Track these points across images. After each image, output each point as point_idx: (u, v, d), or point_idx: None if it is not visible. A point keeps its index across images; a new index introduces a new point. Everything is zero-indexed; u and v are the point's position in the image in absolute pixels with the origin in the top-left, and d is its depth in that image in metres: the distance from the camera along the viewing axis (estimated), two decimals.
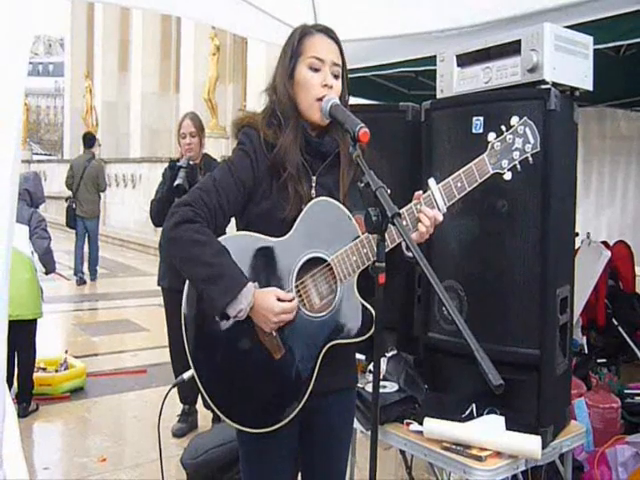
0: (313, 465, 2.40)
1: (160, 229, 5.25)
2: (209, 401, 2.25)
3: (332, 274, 2.13)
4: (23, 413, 5.28)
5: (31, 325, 5.36)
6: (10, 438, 2.09)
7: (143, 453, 4.75)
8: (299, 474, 2.49)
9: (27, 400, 5.41)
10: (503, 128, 2.16)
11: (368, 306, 2.10)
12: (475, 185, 2.16)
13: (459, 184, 2.13)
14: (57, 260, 13.12)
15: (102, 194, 12.38)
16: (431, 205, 2.10)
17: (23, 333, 5.13)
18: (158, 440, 3.03)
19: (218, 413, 2.24)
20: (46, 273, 5.40)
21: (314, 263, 2.15)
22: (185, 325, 2.25)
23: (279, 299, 2.08)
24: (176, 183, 4.65)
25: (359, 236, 2.09)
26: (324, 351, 2.12)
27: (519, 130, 2.16)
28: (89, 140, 12.31)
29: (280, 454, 2.28)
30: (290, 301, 2.10)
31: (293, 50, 2.23)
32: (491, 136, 2.16)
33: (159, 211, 4.81)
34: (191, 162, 4.81)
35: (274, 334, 2.11)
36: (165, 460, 3.02)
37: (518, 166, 2.17)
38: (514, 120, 2.16)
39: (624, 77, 4.38)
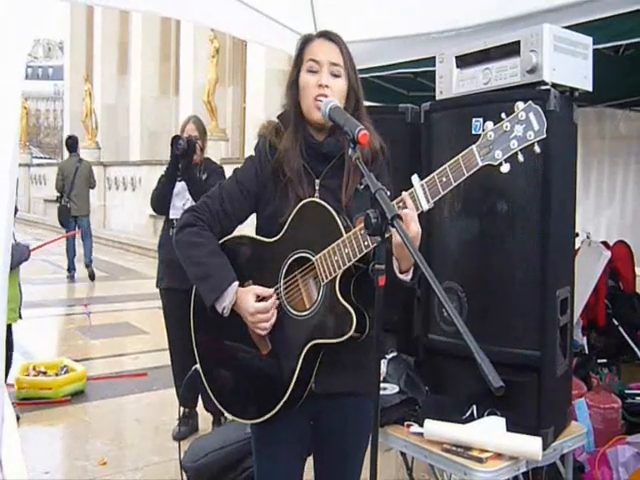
0: (323, 468, 2.42)
1: (159, 230, 5.28)
2: (209, 391, 2.39)
3: (316, 274, 2.15)
4: None
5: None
6: (10, 442, 2.09)
7: (144, 456, 4.74)
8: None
9: None
10: (503, 115, 1.96)
11: (349, 307, 2.08)
12: (462, 179, 1.98)
13: (444, 179, 1.97)
14: (56, 263, 13.23)
15: (94, 193, 12.95)
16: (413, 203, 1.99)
17: None
18: (178, 444, 3.04)
19: (215, 403, 2.38)
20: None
21: (302, 263, 2.19)
22: (193, 319, 2.43)
23: (258, 296, 2.19)
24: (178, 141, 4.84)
25: (342, 236, 2.08)
26: (306, 350, 2.14)
27: (520, 116, 1.92)
28: (72, 145, 12.82)
29: (284, 450, 2.33)
30: (270, 297, 2.19)
31: (296, 60, 2.30)
32: (488, 125, 1.96)
33: (159, 194, 4.96)
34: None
35: None
36: (165, 463, 3.03)
37: (520, 156, 1.94)
38: (518, 105, 1.94)
39: (623, 77, 4.37)
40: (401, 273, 2.07)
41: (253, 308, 2.16)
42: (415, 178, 2.03)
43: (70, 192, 12.20)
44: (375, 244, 1.94)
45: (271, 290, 2.21)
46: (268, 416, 2.21)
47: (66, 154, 13.59)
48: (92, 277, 12.75)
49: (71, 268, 12.91)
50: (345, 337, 2.08)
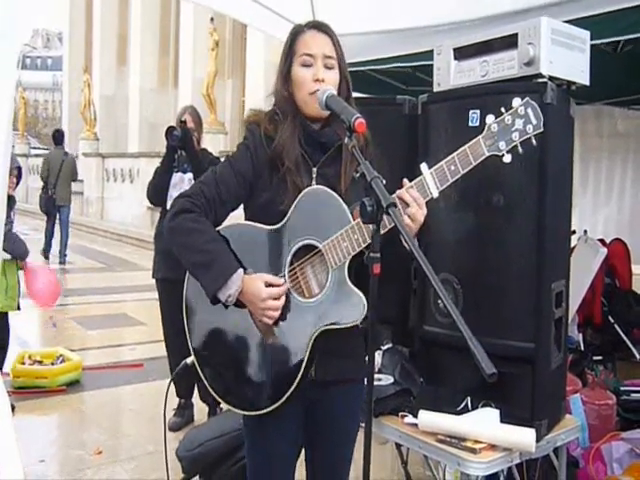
0: (316, 456, 2.42)
1: (157, 222, 5.28)
2: (206, 383, 2.33)
3: (324, 260, 2.15)
4: None
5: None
6: (4, 430, 2.10)
7: (139, 446, 4.75)
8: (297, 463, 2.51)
9: None
10: (503, 110, 2.07)
11: (359, 292, 2.10)
12: (470, 168, 2.07)
13: (452, 167, 2.06)
14: (52, 253, 13.59)
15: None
16: (422, 190, 2.07)
17: None
18: (164, 432, 3.04)
19: (213, 395, 2.32)
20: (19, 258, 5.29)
21: (307, 250, 2.18)
22: (186, 310, 2.36)
23: (268, 284, 2.14)
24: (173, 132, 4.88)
25: (351, 222, 2.10)
26: (315, 336, 2.13)
27: (520, 111, 2.05)
28: (59, 138, 13.82)
29: (281, 440, 2.31)
30: (279, 286, 2.15)
31: (287, 51, 2.29)
32: (489, 118, 2.07)
33: (156, 185, 4.96)
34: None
35: None
36: (161, 453, 3.03)
37: (519, 148, 2.06)
38: (515, 102, 2.07)
39: (622, 74, 4.38)
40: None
41: (266, 293, 2.12)
42: (424, 166, 2.10)
43: (55, 183, 13.25)
44: (385, 229, 1.97)
45: (281, 279, 2.17)
46: (275, 406, 2.18)
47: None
48: (63, 263, 13.90)
49: (47, 250, 13.95)
50: (357, 321, 2.10)
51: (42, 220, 20.12)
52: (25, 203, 26.14)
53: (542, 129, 2.06)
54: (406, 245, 1.93)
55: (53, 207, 13.41)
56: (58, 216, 13.69)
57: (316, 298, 2.15)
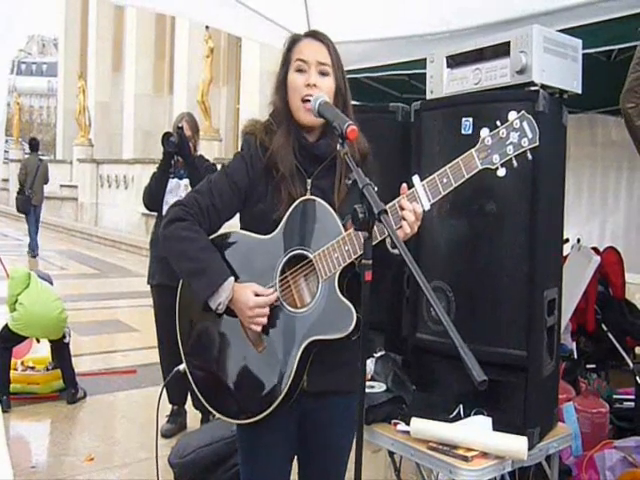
0: (309, 466, 2.41)
1: (151, 228, 5.28)
2: (196, 391, 2.33)
3: (315, 271, 2.14)
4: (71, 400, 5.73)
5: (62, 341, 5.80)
6: None
7: (131, 453, 4.73)
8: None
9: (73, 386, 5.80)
10: (498, 123, 2.06)
11: (349, 304, 2.09)
12: (462, 181, 2.06)
13: (445, 180, 2.05)
14: (47, 259, 14.00)
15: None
16: (414, 202, 2.05)
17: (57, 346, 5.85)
18: (155, 438, 3.03)
19: (203, 402, 2.32)
20: None
21: (299, 260, 2.18)
22: (179, 316, 2.38)
23: (257, 294, 2.15)
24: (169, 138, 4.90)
25: (342, 233, 2.10)
26: (304, 346, 2.13)
27: (515, 124, 2.04)
28: (35, 145, 15.84)
29: (274, 450, 2.31)
30: (268, 296, 2.16)
31: (284, 59, 2.30)
32: (484, 132, 2.06)
33: (152, 191, 4.97)
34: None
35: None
36: (153, 460, 3.01)
37: (514, 162, 2.06)
38: (511, 115, 2.06)
39: (615, 83, 4.37)
40: (393, 248, 2.06)
41: (253, 302, 2.13)
42: (416, 178, 2.08)
43: (32, 185, 14.88)
44: (376, 241, 1.97)
45: (270, 290, 2.18)
46: (263, 415, 2.17)
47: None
48: (34, 257, 15.24)
49: (34, 247, 15.45)
50: (346, 333, 2.09)
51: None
52: None
53: (537, 143, 2.05)
54: (396, 250, 1.93)
55: (30, 206, 15.05)
56: (34, 214, 15.25)
57: (306, 308, 2.15)
